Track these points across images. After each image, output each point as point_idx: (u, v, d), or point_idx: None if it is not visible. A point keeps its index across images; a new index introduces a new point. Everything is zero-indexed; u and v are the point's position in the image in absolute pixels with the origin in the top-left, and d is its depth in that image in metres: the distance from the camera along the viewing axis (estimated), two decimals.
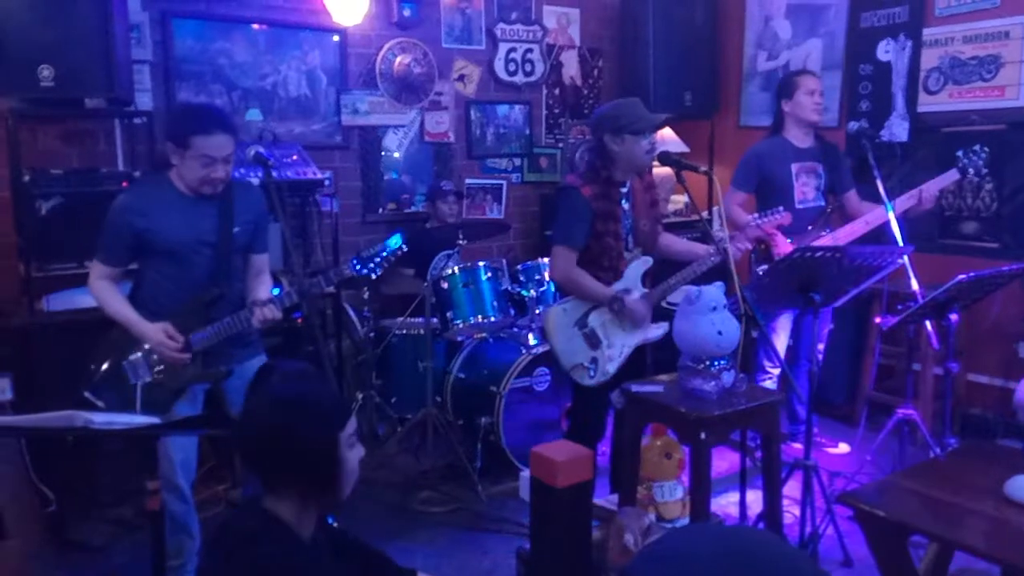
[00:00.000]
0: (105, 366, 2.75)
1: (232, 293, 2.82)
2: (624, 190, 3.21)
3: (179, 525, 2.82)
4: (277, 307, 2.74)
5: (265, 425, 1.62)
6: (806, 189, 3.94)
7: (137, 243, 2.69)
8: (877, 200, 3.76)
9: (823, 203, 3.99)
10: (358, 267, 2.81)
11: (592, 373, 3.17)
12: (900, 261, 3.32)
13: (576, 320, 3.21)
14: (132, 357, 2.72)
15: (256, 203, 2.89)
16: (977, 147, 3.68)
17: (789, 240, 3.78)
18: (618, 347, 3.19)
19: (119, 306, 2.71)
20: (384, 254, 2.82)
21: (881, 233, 3.78)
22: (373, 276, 2.85)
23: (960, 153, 3.71)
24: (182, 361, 2.69)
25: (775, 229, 3.57)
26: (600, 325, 3.19)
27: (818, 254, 2.85)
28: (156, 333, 2.66)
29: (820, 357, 4.16)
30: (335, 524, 1.95)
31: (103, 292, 2.74)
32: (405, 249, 2.85)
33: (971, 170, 3.68)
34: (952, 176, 3.73)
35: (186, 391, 2.76)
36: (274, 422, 1.62)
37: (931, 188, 3.72)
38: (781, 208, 3.28)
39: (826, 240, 3.75)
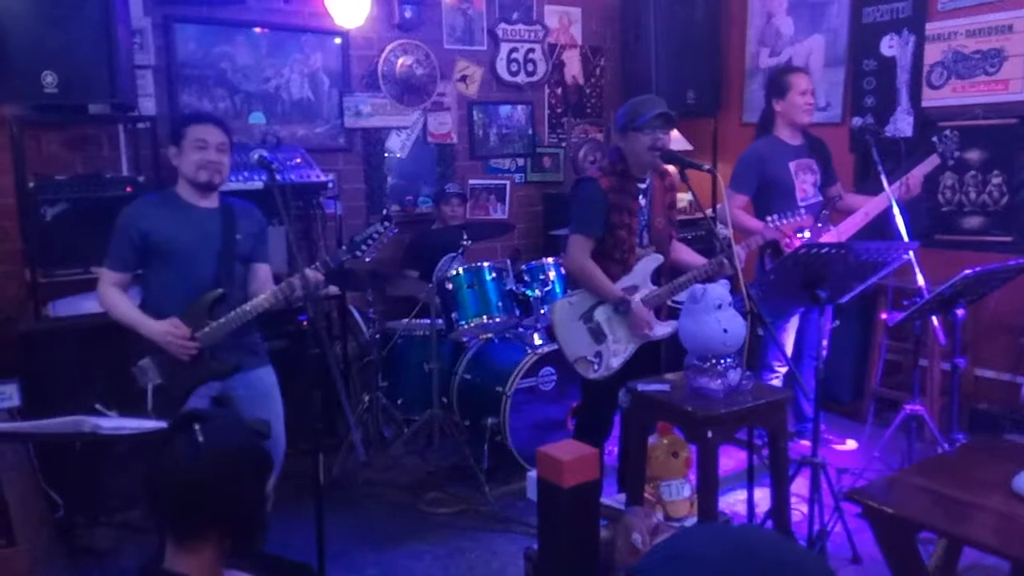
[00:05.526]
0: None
1: (234, 299, 2.84)
2: (643, 186, 3.23)
3: None
4: (320, 273, 2.77)
5: (202, 478, 1.51)
6: (805, 186, 3.91)
7: (144, 246, 2.76)
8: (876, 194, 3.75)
9: (821, 198, 3.97)
10: (354, 250, 2.88)
11: (596, 367, 3.18)
12: (905, 256, 3.31)
13: (582, 314, 3.22)
14: (142, 362, 2.76)
15: (256, 218, 2.99)
16: (947, 132, 3.90)
17: (799, 235, 3.77)
18: (623, 342, 3.19)
19: (125, 309, 2.77)
20: (376, 236, 2.87)
21: (884, 227, 3.77)
22: (367, 258, 2.91)
23: (935, 139, 3.84)
24: (189, 353, 2.71)
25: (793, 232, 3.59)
26: (606, 320, 3.19)
27: (824, 251, 2.85)
28: (161, 327, 2.71)
29: (824, 353, 4.14)
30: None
31: (111, 298, 2.79)
32: (396, 230, 2.92)
33: (946, 153, 3.88)
34: (933, 161, 3.76)
35: (195, 391, 2.77)
36: (214, 474, 1.51)
37: (916, 174, 3.72)
38: (802, 209, 3.28)
39: (830, 235, 3.74)
